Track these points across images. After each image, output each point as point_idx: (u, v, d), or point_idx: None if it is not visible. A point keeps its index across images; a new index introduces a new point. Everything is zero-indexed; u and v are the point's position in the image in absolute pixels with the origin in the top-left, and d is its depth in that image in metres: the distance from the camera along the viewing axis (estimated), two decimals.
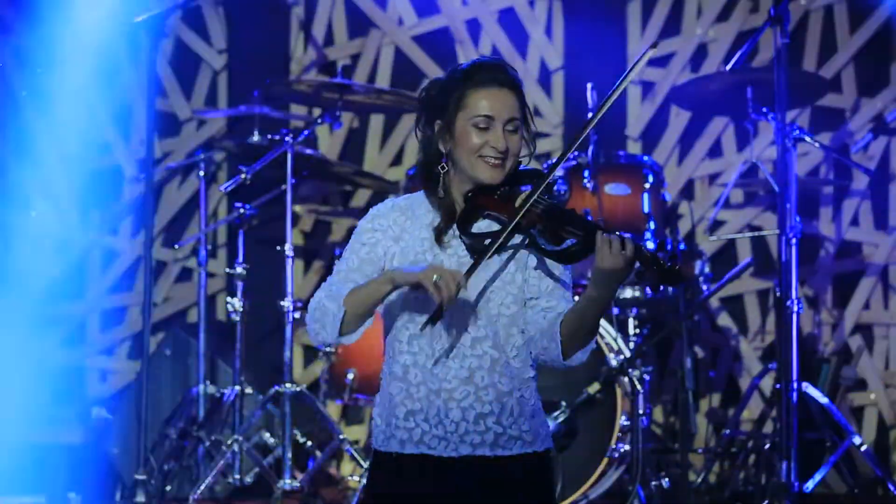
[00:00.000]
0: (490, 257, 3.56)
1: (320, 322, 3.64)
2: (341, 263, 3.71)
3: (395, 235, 3.69)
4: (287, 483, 6.13)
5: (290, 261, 6.32)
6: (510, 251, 3.63)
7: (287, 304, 6.29)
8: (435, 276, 3.47)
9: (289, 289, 6.29)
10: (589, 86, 6.43)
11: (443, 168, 3.68)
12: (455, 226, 3.66)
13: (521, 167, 3.70)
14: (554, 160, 3.69)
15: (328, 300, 3.63)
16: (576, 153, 6.34)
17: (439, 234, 3.66)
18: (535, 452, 3.67)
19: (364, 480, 5.97)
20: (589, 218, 3.58)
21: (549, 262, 3.62)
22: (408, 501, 3.65)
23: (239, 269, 6.56)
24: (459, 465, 3.63)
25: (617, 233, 3.47)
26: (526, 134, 3.69)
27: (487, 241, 3.57)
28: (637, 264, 3.47)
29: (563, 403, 5.85)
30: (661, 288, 3.53)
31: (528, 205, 3.54)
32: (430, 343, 3.62)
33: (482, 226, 3.65)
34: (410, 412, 3.64)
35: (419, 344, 3.63)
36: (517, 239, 3.60)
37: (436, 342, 3.62)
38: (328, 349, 6.32)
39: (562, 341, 3.58)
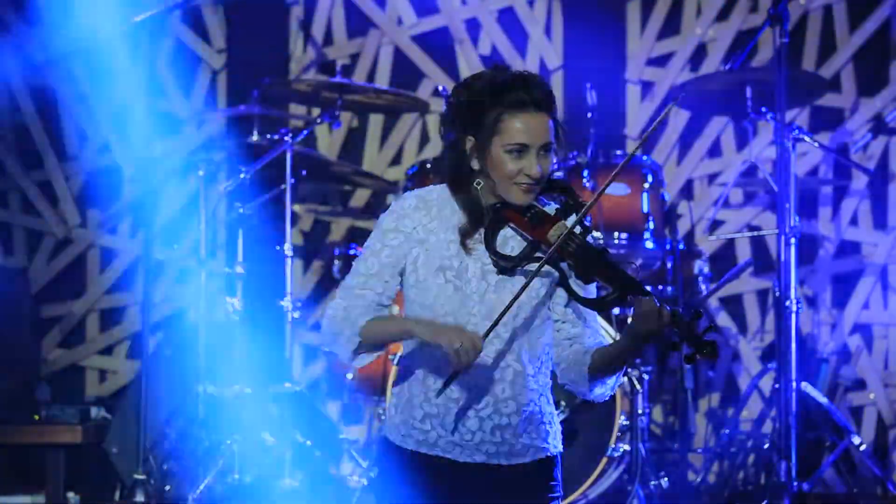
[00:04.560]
0: (517, 299, 3.48)
1: (334, 339, 3.61)
2: (360, 264, 3.64)
3: (421, 238, 3.61)
4: (287, 483, 6.12)
5: (289, 260, 6.32)
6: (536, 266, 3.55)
7: (286, 303, 6.29)
8: (456, 345, 3.41)
9: (288, 288, 6.29)
10: (588, 86, 6.43)
11: (477, 184, 3.60)
12: (481, 233, 3.59)
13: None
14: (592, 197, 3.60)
15: (345, 323, 3.59)
16: (575, 152, 6.35)
17: (464, 239, 3.59)
18: (549, 456, 3.67)
19: (365, 480, 5.97)
20: (622, 267, 3.50)
21: (573, 282, 3.55)
22: (422, 496, 3.63)
23: (238, 269, 6.56)
24: (473, 469, 3.62)
25: (652, 295, 3.40)
26: (556, 146, 3.64)
27: (510, 264, 3.52)
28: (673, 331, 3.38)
29: (563, 403, 5.85)
30: (693, 360, 3.40)
31: (559, 241, 3.47)
32: None
33: (507, 235, 3.59)
34: (427, 415, 3.61)
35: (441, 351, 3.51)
36: (546, 268, 3.53)
37: None
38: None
39: (588, 379, 3.59)
